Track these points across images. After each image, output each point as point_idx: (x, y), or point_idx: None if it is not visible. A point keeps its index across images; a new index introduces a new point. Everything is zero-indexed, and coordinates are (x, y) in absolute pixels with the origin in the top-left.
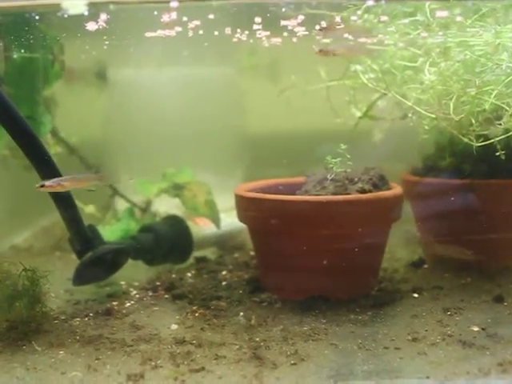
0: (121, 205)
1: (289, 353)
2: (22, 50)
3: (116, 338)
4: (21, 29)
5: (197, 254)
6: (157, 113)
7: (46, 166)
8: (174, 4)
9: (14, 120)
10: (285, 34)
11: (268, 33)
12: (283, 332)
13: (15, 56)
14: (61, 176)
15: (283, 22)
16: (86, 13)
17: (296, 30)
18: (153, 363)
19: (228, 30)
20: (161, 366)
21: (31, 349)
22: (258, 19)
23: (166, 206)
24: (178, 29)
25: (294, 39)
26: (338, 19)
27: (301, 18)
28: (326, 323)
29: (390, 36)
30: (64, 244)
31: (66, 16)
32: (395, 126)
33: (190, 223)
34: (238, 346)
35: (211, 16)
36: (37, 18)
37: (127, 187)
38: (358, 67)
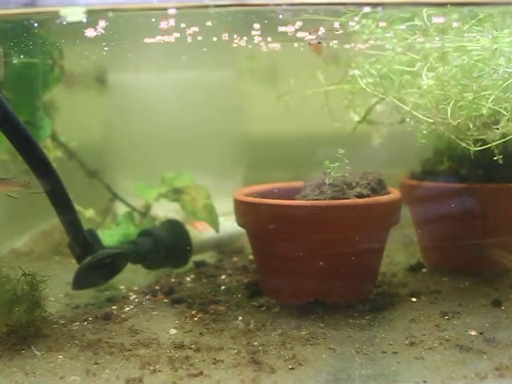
0: (121, 209)
1: (287, 357)
2: (22, 56)
3: (115, 343)
4: (20, 35)
5: (196, 258)
6: (156, 117)
7: (45, 171)
8: (171, 11)
9: (13, 125)
10: (283, 39)
11: (267, 38)
12: (281, 336)
13: (15, 61)
14: (60, 181)
15: (281, 28)
16: (85, 20)
17: (294, 35)
18: (151, 367)
19: (227, 36)
20: (159, 371)
21: (30, 353)
22: (256, 25)
23: (164, 211)
24: (177, 35)
25: (292, 44)
26: (336, 25)
27: (298, 24)
28: (324, 327)
29: (387, 41)
30: (63, 248)
31: (64, 23)
32: (393, 131)
33: (189, 227)
34: (236, 351)
35: (209, 23)
36: (35, 25)
37: (126, 191)
38: (357, 72)
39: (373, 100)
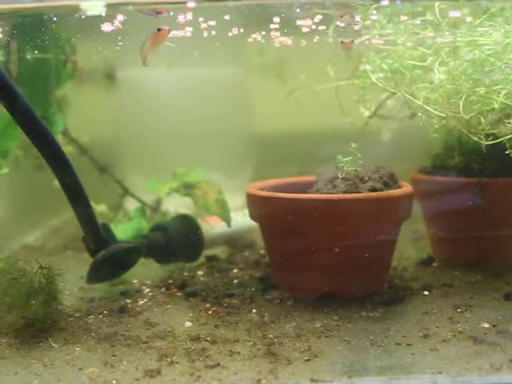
0: (131, 204)
1: (302, 349)
2: (36, 51)
3: (131, 335)
4: (36, 30)
5: (207, 252)
6: (166, 113)
7: (61, 165)
8: (190, 4)
9: (30, 119)
10: (295, 34)
11: (279, 33)
12: (296, 329)
13: (28, 57)
14: (76, 175)
15: (296, 23)
16: (104, 14)
17: (308, 30)
18: (168, 359)
19: (240, 31)
20: (177, 362)
21: (47, 345)
22: (271, 20)
23: (175, 206)
24: (190, 29)
25: (304, 39)
26: (357, 18)
27: (310, 19)
28: (337, 320)
29: (399, 36)
30: (76, 243)
31: (83, 17)
32: (404, 125)
33: (200, 222)
34: (251, 343)
35: (227, 17)
36: (54, 19)
37: (137, 187)
38: (368, 67)
39: (383, 95)
